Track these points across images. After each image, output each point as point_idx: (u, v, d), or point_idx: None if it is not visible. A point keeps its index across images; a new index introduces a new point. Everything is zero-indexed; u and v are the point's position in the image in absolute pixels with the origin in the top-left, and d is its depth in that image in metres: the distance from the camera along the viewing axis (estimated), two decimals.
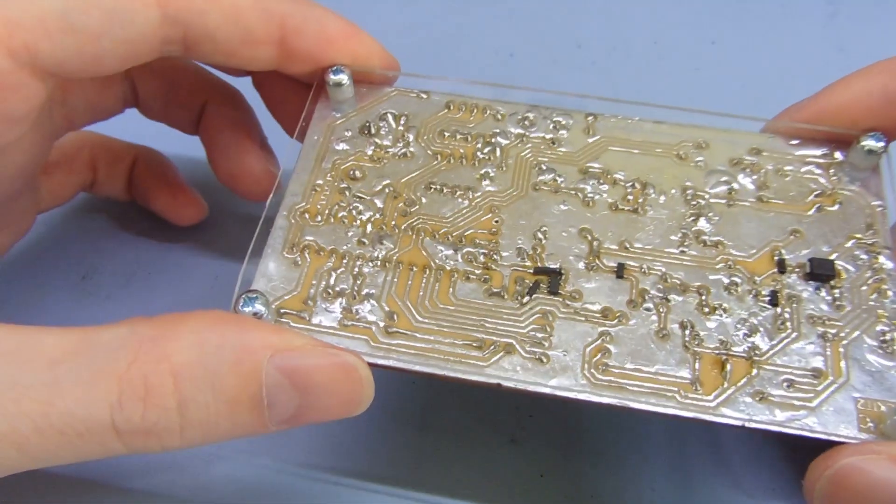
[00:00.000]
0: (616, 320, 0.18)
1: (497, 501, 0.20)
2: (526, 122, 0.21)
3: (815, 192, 0.19)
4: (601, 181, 0.20)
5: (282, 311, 0.18)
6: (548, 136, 0.21)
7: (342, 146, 0.21)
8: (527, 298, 0.18)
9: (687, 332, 0.18)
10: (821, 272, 0.18)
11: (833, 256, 0.18)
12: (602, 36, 0.32)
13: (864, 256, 0.18)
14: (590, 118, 0.21)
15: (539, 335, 0.17)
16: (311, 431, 0.21)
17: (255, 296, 0.17)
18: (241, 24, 0.19)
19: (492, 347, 0.17)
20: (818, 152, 0.20)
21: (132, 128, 0.25)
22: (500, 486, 0.21)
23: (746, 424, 0.16)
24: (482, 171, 0.20)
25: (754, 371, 0.17)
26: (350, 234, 0.19)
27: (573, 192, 0.20)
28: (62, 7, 0.17)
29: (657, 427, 0.21)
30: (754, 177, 0.20)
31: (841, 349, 0.17)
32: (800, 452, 0.16)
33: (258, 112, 0.24)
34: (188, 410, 0.16)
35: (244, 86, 0.24)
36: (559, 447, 0.21)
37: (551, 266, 0.18)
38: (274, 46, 0.20)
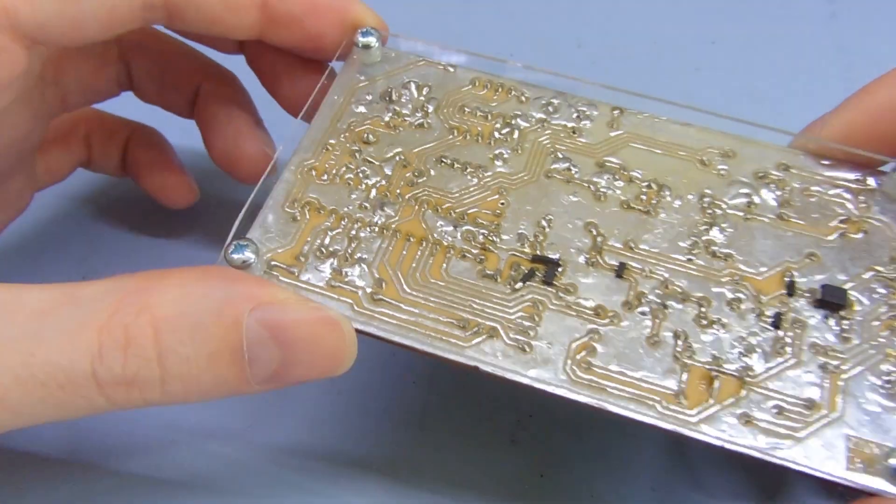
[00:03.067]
0: (608, 320, 0.17)
1: (497, 501, 0.20)
2: (550, 108, 0.20)
3: (840, 218, 0.19)
4: (616, 177, 0.19)
5: (272, 263, 0.18)
6: (569, 125, 0.20)
7: (361, 109, 0.20)
8: (519, 285, 0.18)
9: (680, 342, 0.17)
10: (832, 300, 0.17)
11: (848, 286, 0.17)
12: (602, 36, 0.32)
13: (881, 290, 0.17)
14: (616, 111, 0.20)
15: (526, 323, 0.17)
16: (308, 428, 0.21)
17: (245, 244, 0.17)
18: None
19: (475, 329, 0.17)
20: (850, 176, 0.19)
21: (128, 112, 0.25)
22: (500, 486, 0.20)
23: (726, 445, 0.16)
24: (496, 152, 0.20)
25: (743, 392, 0.16)
26: (353, 196, 0.19)
27: (585, 185, 0.19)
28: None
29: None
30: (778, 193, 0.19)
31: (840, 383, 0.16)
32: None
33: (253, 94, 0.24)
34: (168, 362, 0.15)
35: (239, 68, 0.24)
36: (559, 447, 0.21)
37: (550, 255, 0.18)
38: (256, 10, 0.20)
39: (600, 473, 0.21)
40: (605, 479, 0.21)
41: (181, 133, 0.25)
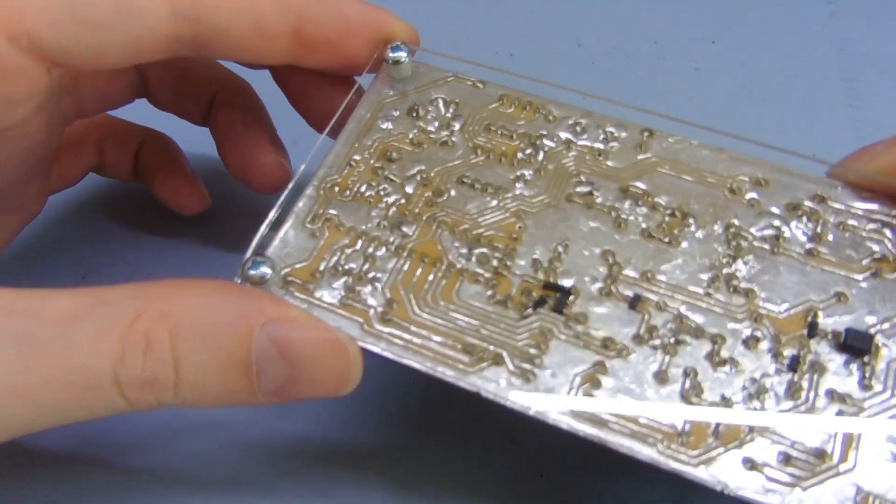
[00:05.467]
0: (616, 352, 0.17)
1: (497, 501, 0.20)
2: (577, 129, 0.20)
3: (875, 256, 0.18)
4: (640, 203, 0.19)
5: (289, 279, 0.18)
6: (595, 146, 0.20)
7: (387, 125, 0.21)
8: (529, 311, 0.17)
9: (689, 380, 0.16)
10: (856, 345, 0.16)
11: (874, 330, 0.17)
12: (602, 36, 0.32)
13: None
14: (645, 134, 0.20)
15: (532, 351, 0.17)
16: (308, 428, 0.22)
17: (262, 260, 0.18)
18: (255, 17, 0.19)
19: (480, 355, 0.17)
20: (892, 211, 0.18)
21: (142, 118, 0.26)
22: (500, 485, 0.21)
23: (726, 491, 0.15)
24: (518, 173, 0.20)
25: (749, 436, 0.16)
26: (373, 213, 0.19)
27: (606, 210, 0.19)
28: None
29: None
30: (810, 226, 0.18)
31: (857, 433, 0.16)
32: None
33: (269, 105, 0.24)
34: (182, 368, 0.16)
35: (255, 78, 0.24)
36: (559, 447, 0.21)
37: (562, 283, 0.18)
38: (290, 38, 0.20)
39: (600, 473, 0.20)
40: (605, 479, 0.20)
41: (192, 140, 0.26)
